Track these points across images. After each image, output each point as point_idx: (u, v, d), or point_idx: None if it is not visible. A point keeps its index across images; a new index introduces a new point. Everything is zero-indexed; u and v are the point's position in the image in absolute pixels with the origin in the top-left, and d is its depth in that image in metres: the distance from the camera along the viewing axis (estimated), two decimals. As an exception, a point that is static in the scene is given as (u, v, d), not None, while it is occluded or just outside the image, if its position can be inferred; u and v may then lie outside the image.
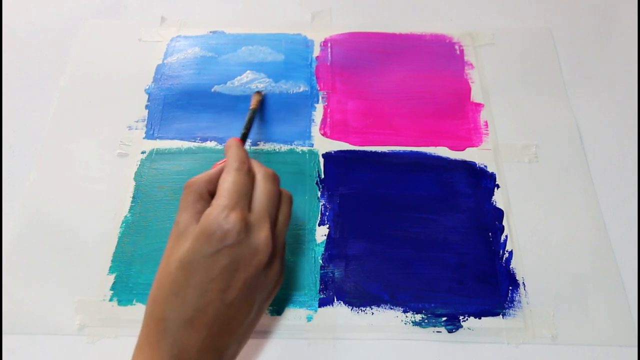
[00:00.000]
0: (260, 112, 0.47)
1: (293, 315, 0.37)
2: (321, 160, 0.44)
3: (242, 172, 0.31)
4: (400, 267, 0.39)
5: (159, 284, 0.30)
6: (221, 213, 0.29)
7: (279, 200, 0.33)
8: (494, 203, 0.42)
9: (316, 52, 0.51)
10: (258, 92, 0.47)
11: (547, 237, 0.41)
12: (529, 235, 0.41)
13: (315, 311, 0.37)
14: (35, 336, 0.37)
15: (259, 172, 0.32)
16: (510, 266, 0.39)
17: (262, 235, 0.30)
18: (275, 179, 0.33)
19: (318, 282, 0.38)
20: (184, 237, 0.29)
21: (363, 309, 0.38)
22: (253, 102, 0.45)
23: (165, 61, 0.51)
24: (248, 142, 0.45)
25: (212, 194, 0.32)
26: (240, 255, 0.29)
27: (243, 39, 0.52)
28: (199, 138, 0.46)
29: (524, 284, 0.38)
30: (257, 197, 0.31)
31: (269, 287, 0.32)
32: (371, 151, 0.45)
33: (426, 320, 0.37)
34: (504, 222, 0.41)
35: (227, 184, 0.30)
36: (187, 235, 0.29)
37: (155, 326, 0.29)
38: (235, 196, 0.30)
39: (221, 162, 0.34)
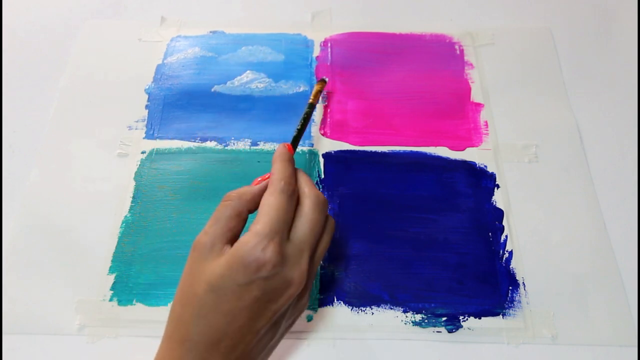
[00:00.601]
0: (255, 112, 0.46)
1: (293, 315, 0.37)
2: (321, 160, 0.44)
3: (286, 195, 0.29)
4: (400, 267, 0.39)
5: (184, 302, 0.29)
6: (259, 244, 0.27)
7: (323, 229, 0.31)
8: (494, 203, 0.42)
9: (316, 52, 0.51)
10: (322, 81, 0.44)
11: (547, 237, 0.41)
12: (529, 235, 0.41)
13: (315, 311, 0.37)
14: (35, 336, 0.37)
15: (308, 197, 0.30)
16: (510, 266, 0.39)
17: (298, 270, 0.29)
18: (323, 207, 0.31)
19: (318, 282, 0.38)
20: (212, 256, 0.28)
21: (363, 309, 0.38)
22: (313, 95, 0.42)
23: (165, 61, 0.51)
24: (248, 141, 0.45)
25: (250, 212, 0.31)
26: (273, 287, 0.28)
27: (243, 39, 0.52)
28: (199, 138, 0.46)
29: (524, 284, 0.38)
30: (300, 226, 0.30)
31: (295, 315, 0.32)
32: (371, 151, 0.45)
33: (426, 320, 0.37)
34: (504, 222, 0.41)
35: (269, 209, 0.29)
36: (215, 253, 0.28)
37: (179, 345, 0.28)
38: (276, 225, 0.28)
39: (265, 176, 0.32)
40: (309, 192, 0.31)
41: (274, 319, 0.29)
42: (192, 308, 0.28)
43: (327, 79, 0.47)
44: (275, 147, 0.44)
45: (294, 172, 0.32)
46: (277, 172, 0.31)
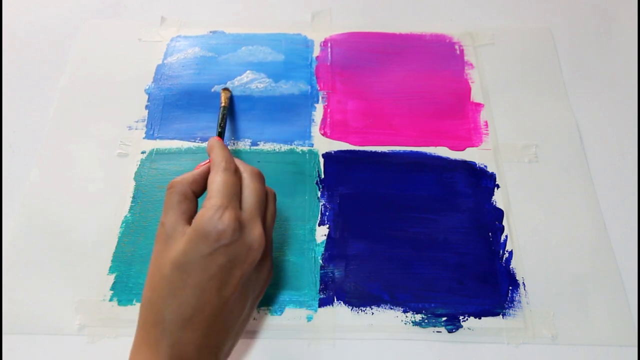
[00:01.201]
0: (255, 112, 0.47)
1: (293, 316, 0.37)
2: (321, 160, 0.44)
3: (230, 172, 0.32)
4: (400, 267, 0.39)
5: (153, 286, 0.30)
6: (215, 213, 0.29)
7: (266, 198, 0.34)
8: (494, 203, 0.42)
9: (316, 52, 0.51)
10: (226, 89, 0.47)
11: (547, 237, 0.41)
12: (529, 235, 0.41)
13: (316, 311, 0.37)
14: (35, 336, 0.37)
15: (245, 171, 0.33)
16: (510, 266, 0.39)
17: (255, 232, 0.31)
18: (261, 178, 0.34)
19: (318, 282, 0.38)
20: (174, 238, 0.30)
21: (363, 309, 0.38)
22: (223, 100, 0.45)
23: (165, 61, 0.51)
24: (248, 141, 0.45)
25: (196, 195, 0.33)
26: (235, 253, 0.30)
27: (243, 39, 0.52)
28: (199, 138, 0.46)
29: (524, 284, 0.39)
30: (247, 196, 0.32)
31: (260, 283, 0.33)
32: (371, 151, 0.45)
33: (426, 320, 0.37)
34: (504, 222, 0.41)
35: (218, 185, 0.31)
36: (177, 235, 0.30)
37: (153, 328, 0.29)
38: (227, 196, 0.30)
39: (205, 162, 0.34)
40: (244, 168, 0.33)
41: (241, 285, 0.30)
42: (161, 290, 0.29)
43: (230, 88, 0.48)
44: (276, 148, 0.45)
45: (231, 154, 0.34)
46: (217, 156, 0.33)
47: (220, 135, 0.40)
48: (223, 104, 0.44)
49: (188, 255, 0.29)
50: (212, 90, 0.48)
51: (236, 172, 0.32)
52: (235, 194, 0.31)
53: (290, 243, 0.40)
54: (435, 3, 0.56)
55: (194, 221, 0.29)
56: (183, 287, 0.29)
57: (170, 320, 0.29)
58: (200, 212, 0.30)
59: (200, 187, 0.33)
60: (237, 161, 0.34)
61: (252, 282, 0.32)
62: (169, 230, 0.30)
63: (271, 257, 0.34)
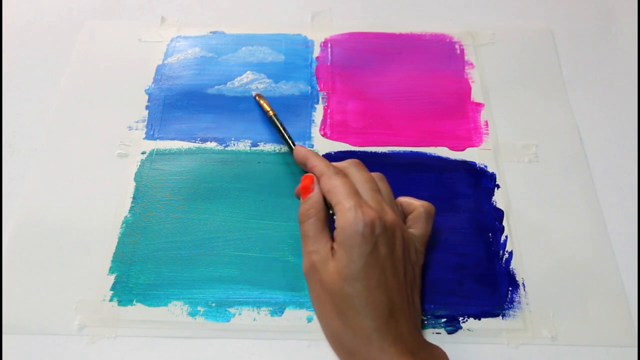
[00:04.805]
0: (256, 112, 0.47)
1: (293, 316, 0.37)
2: (321, 160, 0.44)
3: (341, 174, 0.33)
4: (400, 267, 0.39)
5: (339, 312, 0.30)
6: (355, 213, 0.30)
7: (374, 180, 0.35)
8: (494, 203, 0.42)
9: (316, 52, 0.51)
10: (258, 95, 0.47)
11: (547, 237, 0.41)
12: (529, 235, 0.41)
13: (315, 312, 0.37)
14: (35, 336, 0.37)
15: (345, 168, 0.35)
16: (510, 267, 0.39)
17: (388, 213, 0.32)
18: (362, 166, 0.35)
19: (318, 283, 0.38)
20: (328, 259, 0.31)
21: (363, 309, 0.38)
22: (267, 107, 0.45)
23: (165, 61, 0.51)
24: (248, 142, 0.45)
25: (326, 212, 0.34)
26: (387, 237, 0.31)
27: (243, 39, 0.52)
28: (199, 139, 0.46)
29: (523, 285, 0.38)
30: (362, 187, 0.33)
31: (415, 247, 0.34)
32: (371, 152, 0.45)
33: (425, 322, 0.37)
34: (504, 223, 0.41)
35: (339, 188, 0.32)
36: (330, 254, 0.31)
37: (365, 347, 0.29)
38: (352, 195, 0.31)
39: (306, 181, 0.35)
40: (342, 165, 0.35)
41: (404, 261, 0.32)
42: (349, 308, 0.30)
43: (255, 91, 0.48)
44: (276, 148, 0.45)
45: (324, 158, 0.36)
46: (318, 164, 0.35)
47: (294, 142, 0.41)
48: (271, 112, 0.44)
49: (356, 262, 0.29)
50: (212, 90, 0.48)
51: (342, 172, 0.34)
52: (355, 191, 0.32)
53: (290, 244, 0.40)
54: (435, 3, 0.56)
55: (338, 233, 0.31)
56: (368, 295, 0.29)
57: (375, 328, 0.29)
58: (340, 221, 0.31)
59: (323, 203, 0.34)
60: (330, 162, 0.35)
61: (411, 251, 0.33)
62: (323, 256, 0.31)
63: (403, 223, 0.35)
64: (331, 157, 0.44)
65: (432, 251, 0.40)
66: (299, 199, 0.35)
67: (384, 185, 0.35)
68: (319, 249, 0.31)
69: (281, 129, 0.42)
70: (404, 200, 0.37)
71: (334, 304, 0.30)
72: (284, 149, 0.45)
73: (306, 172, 0.36)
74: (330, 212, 0.33)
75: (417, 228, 0.35)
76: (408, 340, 0.30)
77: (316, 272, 0.31)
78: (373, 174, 0.35)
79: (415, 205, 0.36)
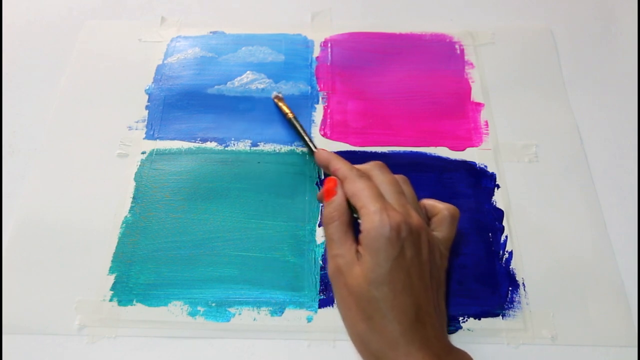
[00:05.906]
0: (256, 112, 0.47)
1: (293, 316, 0.37)
2: (321, 160, 0.44)
3: (365, 177, 0.33)
4: (400, 267, 0.39)
5: (365, 316, 0.30)
6: (380, 216, 0.30)
7: (398, 183, 0.34)
8: (494, 203, 0.42)
9: (316, 52, 0.51)
10: (278, 96, 0.47)
11: (547, 237, 0.41)
12: (529, 235, 0.41)
13: (315, 312, 0.37)
14: (35, 336, 0.37)
15: (368, 170, 0.34)
16: (510, 267, 0.39)
17: (413, 215, 0.31)
18: (385, 168, 0.35)
19: (318, 283, 0.38)
20: (354, 263, 0.30)
21: (363, 309, 0.38)
22: (287, 110, 0.45)
23: (165, 61, 0.51)
24: (248, 142, 0.45)
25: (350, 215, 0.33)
26: (413, 240, 0.30)
27: (243, 39, 0.52)
28: (199, 139, 0.46)
29: (523, 285, 0.38)
30: (386, 190, 0.33)
31: (440, 250, 0.34)
32: (371, 152, 0.45)
33: (426, 321, 0.37)
34: (504, 223, 0.41)
35: (364, 192, 0.32)
36: (356, 258, 0.31)
37: (392, 352, 0.29)
38: (377, 198, 0.31)
39: (329, 185, 0.34)
40: (365, 167, 0.35)
41: (431, 264, 0.31)
42: (375, 311, 0.29)
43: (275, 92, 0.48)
44: (276, 148, 0.45)
45: (347, 161, 0.35)
46: (341, 167, 0.34)
47: (315, 145, 0.41)
48: (290, 115, 0.44)
49: (382, 266, 0.29)
50: (212, 90, 0.48)
51: (366, 174, 0.34)
52: (379, 194, 0.32)
53: (290, 244, 0.40)
54: (435, 3, 0.56)
55: (363, 236, 0.30)
56: (394, 298, 0.29)
57: (401, 332, 0.29)
58: (366, 225, 0.30)
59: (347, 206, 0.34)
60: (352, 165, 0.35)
61: (436, 254, 0.33)
62: (348, 259, 0.31)
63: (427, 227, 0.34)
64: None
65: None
66: (322, 202, 0.35)
67: (407, 188, 0.35)
68: (344, 253, 0.31)
69: (301, 131, 0.42)
70: (428, 202, 0.36)
71: (359, 307, 0.30)
72: (284, 149, 0.45)
73: (328, 175, 0.36)
74: (355, 215, 0.33)
75: (441, 231, 0.34)
76: (435, 344, 0.29)
77: (342, 275, 0.31)
78: (396, 176, 0.35)
79: (440, 208, 0.35)
